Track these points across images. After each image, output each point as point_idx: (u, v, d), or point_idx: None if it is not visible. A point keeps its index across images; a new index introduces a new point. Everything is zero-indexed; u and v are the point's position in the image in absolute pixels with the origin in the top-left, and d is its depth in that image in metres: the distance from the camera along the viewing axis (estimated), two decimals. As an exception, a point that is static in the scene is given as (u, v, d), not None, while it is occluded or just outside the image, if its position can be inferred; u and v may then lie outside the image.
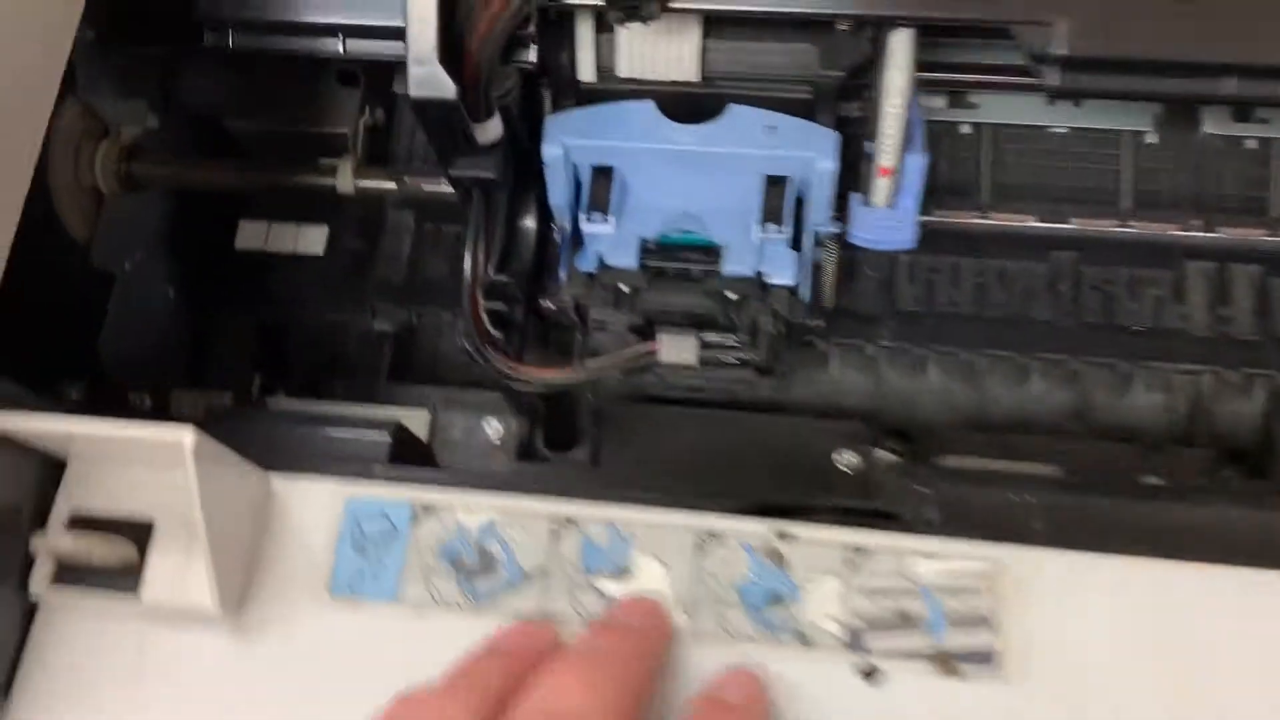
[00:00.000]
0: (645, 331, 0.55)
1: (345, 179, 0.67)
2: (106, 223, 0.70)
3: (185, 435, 0.39)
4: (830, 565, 0.42)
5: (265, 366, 0.64)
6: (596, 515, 0.43)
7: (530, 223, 0.59)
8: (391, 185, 0.67)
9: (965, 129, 0.63)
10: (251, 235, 0.68)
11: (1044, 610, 0.41)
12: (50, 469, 0.44)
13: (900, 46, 0.49)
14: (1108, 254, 0.62)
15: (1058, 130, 0.62)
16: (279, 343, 0.66)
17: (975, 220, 0.63)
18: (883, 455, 0.53)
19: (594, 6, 0.50)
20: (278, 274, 0.67)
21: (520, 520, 0.43)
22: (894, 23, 0.48)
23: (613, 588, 0.42)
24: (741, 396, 0.59)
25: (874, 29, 0.51)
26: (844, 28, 0.51)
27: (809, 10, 0.48)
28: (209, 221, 0.70)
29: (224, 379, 0.66)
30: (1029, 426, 0.60)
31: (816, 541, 0.42)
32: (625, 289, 0.53)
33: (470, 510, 0.43)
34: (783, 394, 0.62)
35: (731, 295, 0.54)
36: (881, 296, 0.63)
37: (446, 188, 0.66)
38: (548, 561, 0.43)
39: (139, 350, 0.69)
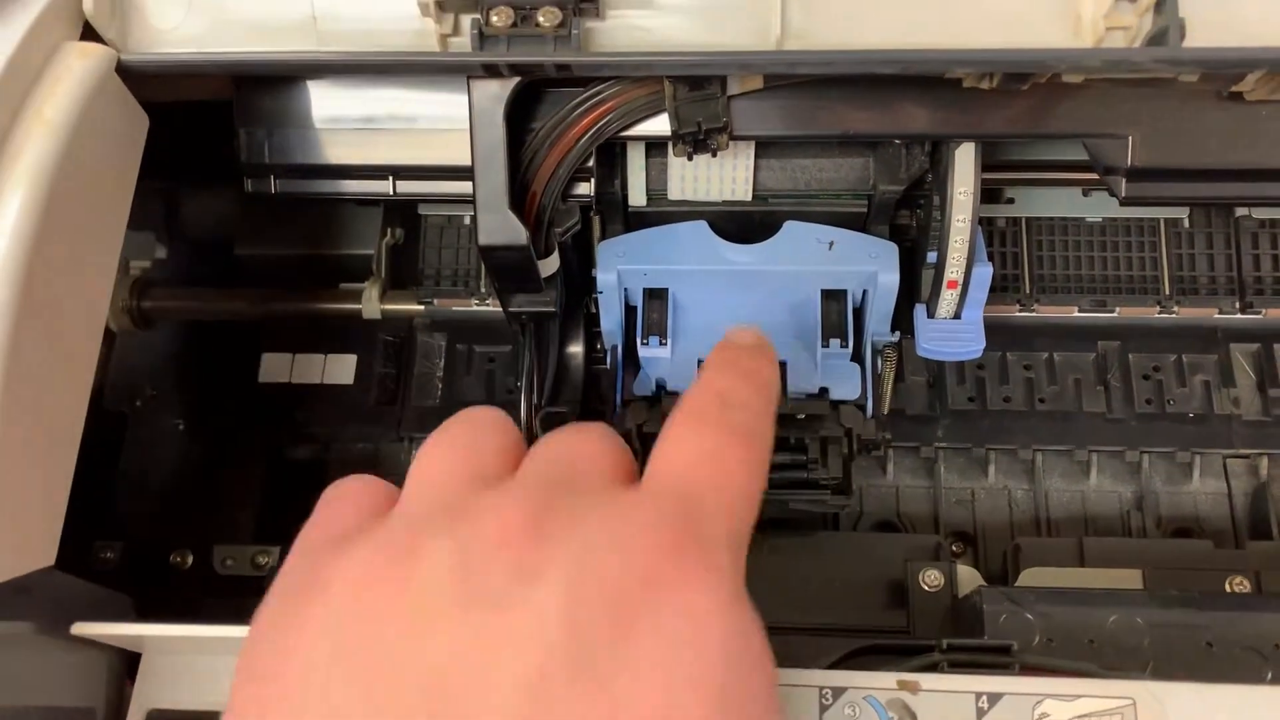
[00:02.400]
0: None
1: (371, 304, 0.65)
2: (116, 362, 0.68)
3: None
4: (962, 714, 0.40)
5: (305, 514, 0.61)
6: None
7: (577, 348, 0.58)
8: (419, 308, 0.65)
9: (1002, 223, 0.63)
10: (275, 368, 0.65)
11: (1181, 746, 0.40)
12: (124, 661, 0.41)
13: (965, 161, 0.49)
14: (1153, 340, 0.62)
15: (1094, 221, 0.63)
16: (312, 480, 0.63)
17: (1020, 313, 0.62)
18: (965, 572, 0.52)
19: (648, 137, 0.49)
20: (305, 406, 0.64)
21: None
22: (965, 139, 0.48)
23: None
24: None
25: (931, 141, 0.50)
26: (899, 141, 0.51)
27: (881, 131, 0.47)
28: (222, 352, 0.67)
29: (261, 524, 0.63)
30: (1092, 521, 0.60)
31: (945, 690, 0.40)
32: None
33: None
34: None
35: (799, 415, 0.53)
36: (932, 396, 0.62)
37: (477, 308, 0.65)
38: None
39: (157, 494, 0.65)
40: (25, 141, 0.37)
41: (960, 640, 0.43)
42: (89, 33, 0.41)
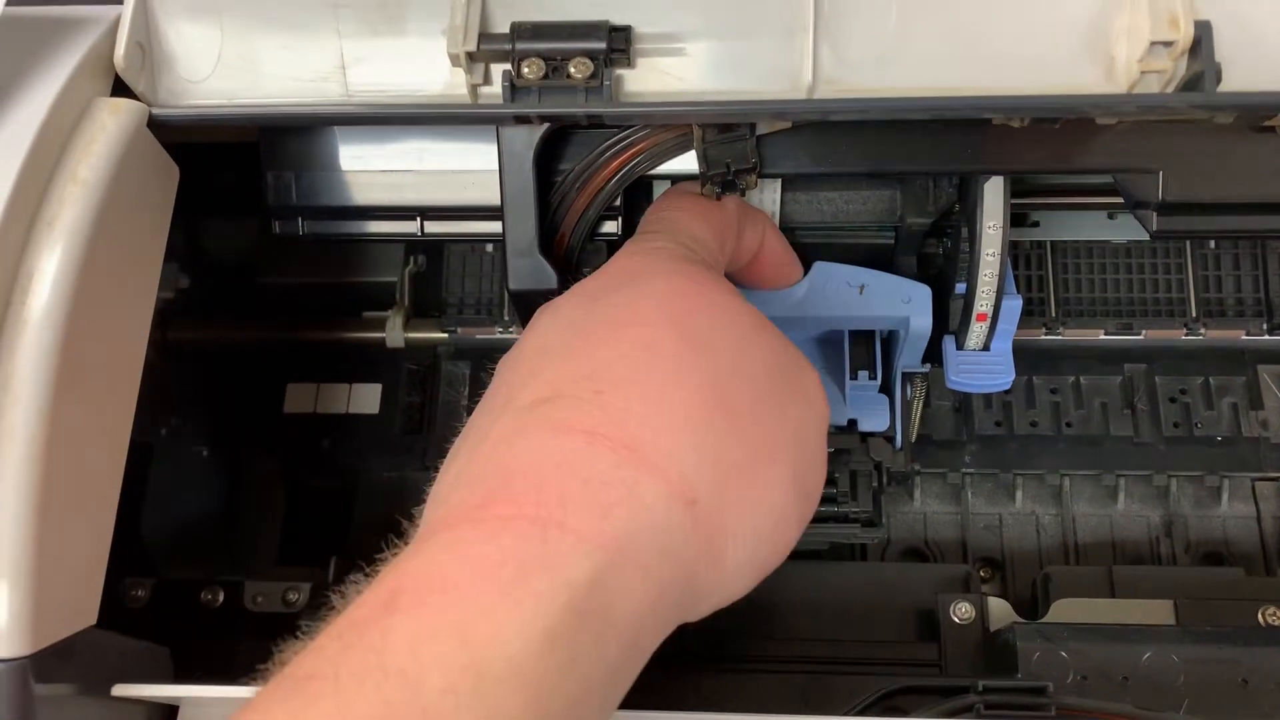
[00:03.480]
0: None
1: (395, 333, 0.65)
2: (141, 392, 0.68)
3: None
4: (1001, 762, 0.40)
5: (337, 544, 0.61)
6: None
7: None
8: (443, 336, 0.65)
9: (1028, 246, 0.63)
10: (300, 398, 0.65)
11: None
12: (164, 715, 0.42)
13: (994, 195, 0.49)
14: (1179, 363, 0.62)
15: (1120, 243, 0.62)
16: (337, 508, 0.64)
17: (1045, 337, 0.62)
18: (997, 605, 0.52)
19: (676, 175, 0.49)
20: (331, 435, 0.65)
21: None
22: (994, 174, 0.48)
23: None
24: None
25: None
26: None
27: (910, 168, 0.47)
28: (246, 381, 0.67)
29: (285, 551, 0.63)
30: (1121, 546, 0.60)
31: (986, 738, 0.41)
32: None
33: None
34: (871, 529, 0.60)
35: (829, 449, 0.53)
36: (959, 421, 0.62)
37: (500, 335, 0.65)
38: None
39: (183, 526, 0.66)
40: (62, 203, 0.37)
41: (996, 682, 0.43)
42: (119, 88, 0.41)
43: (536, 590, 0.28)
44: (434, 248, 0.67)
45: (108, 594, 0.55)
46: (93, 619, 0.37)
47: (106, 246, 0.38)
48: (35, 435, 0.34)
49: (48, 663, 0.34)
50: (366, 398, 0.65)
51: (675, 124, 0.44)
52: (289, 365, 0.67)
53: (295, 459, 0.65)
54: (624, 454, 0.31)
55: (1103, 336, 0.62)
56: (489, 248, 0.65)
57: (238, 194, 0.58)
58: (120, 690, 0.37)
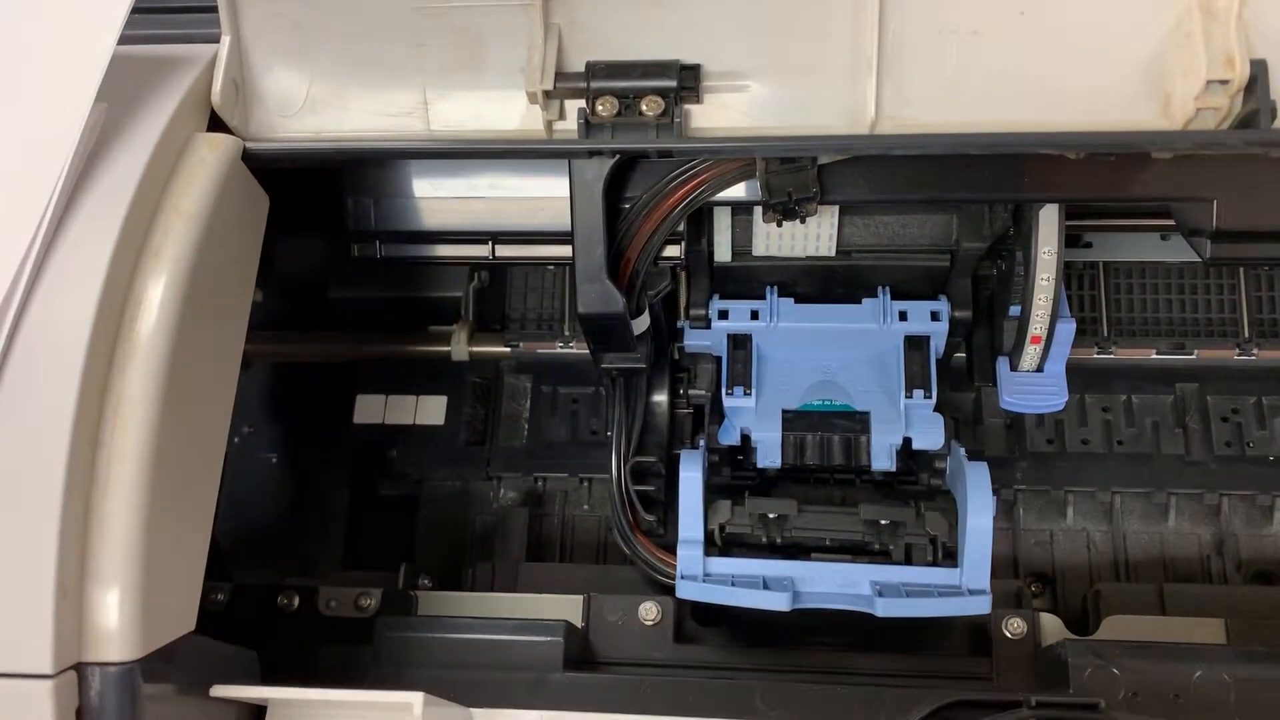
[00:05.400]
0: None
1: (460, 347, 0.67)
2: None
3: (414, 699, 0.38)
4: (1052, 776, 0.41)
5: (403, 550, 0.64)
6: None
7: (662, 396, 0.59)
8: (506, 350, 0.67)
9: (1080, 266, 0.64)
10: (369, 409, 0.68)
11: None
12: (253, 714, 0.44)
13: (1049, 222, 0.50)
14: (1231, 383, 0.63)
15: (1173, 263, 0.63)
16: (408, 517, 0.66)
17: (1097, 355, 0.63)
18: (1049, 620, 0.53)
19: (737, 202, 0.50)
20: (398, 445, 0.67)
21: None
22: (1052, 202, 0.49)
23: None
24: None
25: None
26: (983, 200, 0.52)
27: (968, 197, 0.48)
28: (316, 391, 0.70)
29: (352, 555, 0.65)
30: (1171, 564, 0.61)
31: (1036, 753, 0.42)
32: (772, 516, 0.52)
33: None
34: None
35: (883, 521, 0.53)
36: (1010, 439, 0.63)
37: (561, 350, 0.67)
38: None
39: (254, 531, 0.69)
40: (166, 234, 0.39)
41: (1048, 697, 0.44)
42: (215, 122, 0.43)
43: None
44: (498, 265, 0.69)
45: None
46: (192, 624, 0.40)
47: (206, 273, 0.40)
48: (145, 452, 0.37)
49: (154, 666, 0.36)
50: (432, 409, 0.67)
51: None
52: (358, 377, 0.69)
53: (363, 468, 0.68)
54: None
55: (1155, 356, 0.63)
56: (550, 266, 0.67)
57: (311, 214, 0.61)
58: (218, 691, 0.40)
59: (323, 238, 0.68)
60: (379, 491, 0.67)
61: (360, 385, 0.69)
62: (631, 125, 0.41)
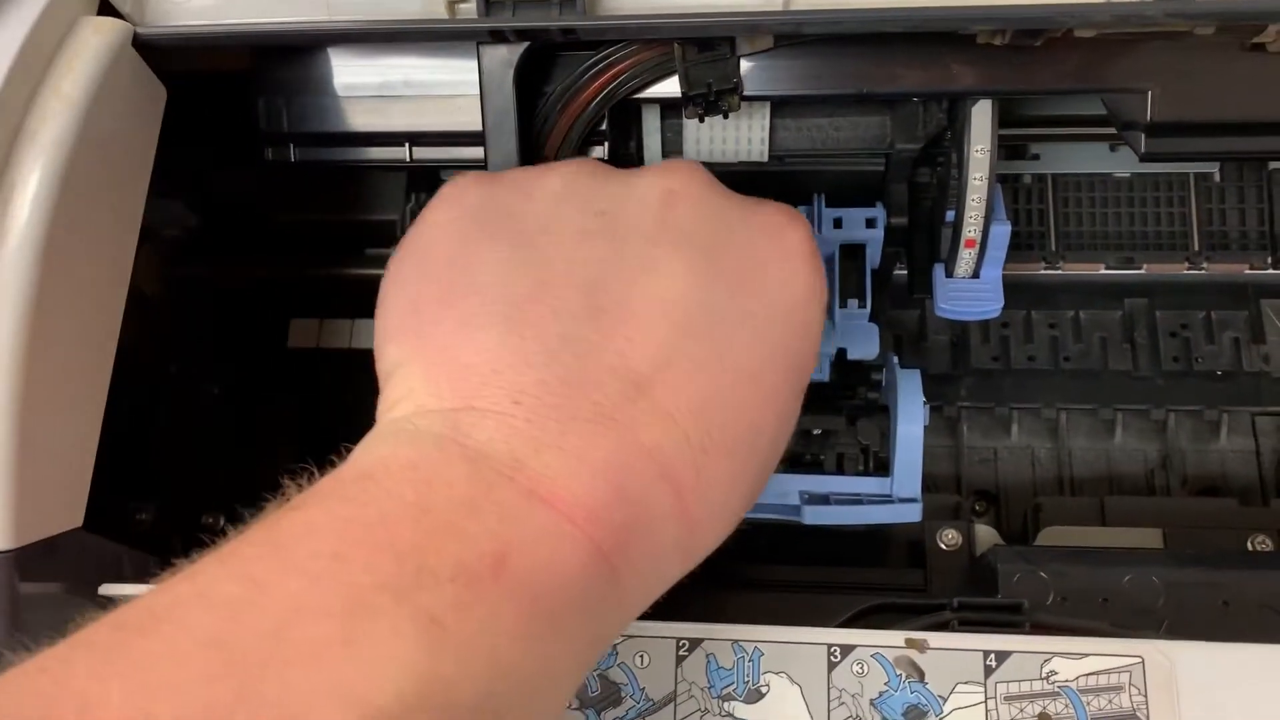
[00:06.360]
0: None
1: (396, 268, 0.65)
2: (150, 327, 0.69)
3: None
4: (969, 672, 0.40)
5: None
6: (721, 635, 0.42)
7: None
8: (443, 271, 0.66)
9: (1028, 180, 0.62)
10: (303, 333, 0.66)
11: (1190, 707, 0.40)
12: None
13: (982, 119, 0.48)
14: (1181, 297, 0.61)
15: (1122, 176, 0.62)
16: (340, 442, 0.65)
17: (1044, 271, 0.62)
18: (984, 531, 0.52)
19: (659, 99, 0.49)
20: (334, 370, 0.66)
21: (643, 646, 0.42)
22: (981, 96, 0.47)
23: (746, 710, 0.41)
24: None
25: (948, 98, 0.50)
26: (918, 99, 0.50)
27: (894, 89, 0.47)
28: (253, 317, 0.69)
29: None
30: (1116, 480, 0.60)
31: (953, 648, 0.41)
32: None
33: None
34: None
35: (815, 431, 0.53)
36: (955, 355, 0.62)
37: (500, 271, 0.65)
38: (675, 687, 0.41)
39: (190, 456, 0.67)
40: (44, 117, 0.38)
41: (971, 599, 0.43)
42: (105, 7, 0.42)
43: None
44: (435, 185, 0.67)
45: (113, 518, 0.56)
46: (78, 521, 0.38)
47: (90, 161, 0.39)
48: (16, 344, 0.35)
49: (33, 560, 0.35)
50: (369, 333, 0.66)
51: (656, 43, 0.44)
52: (293, 302, 0.68)
53: (300, 394, 0.66)
54: None
55: (1103, 271, 0.61)
56: (470, 168, 0.65)
57: (243, 130, 0.59)
58: (107, 590, 0.38)
59: (258, 160, 0.66)
60: (316, 418, 0.66)
61: (295, 310, 0.67)
62: (534, 2, 0.40)
